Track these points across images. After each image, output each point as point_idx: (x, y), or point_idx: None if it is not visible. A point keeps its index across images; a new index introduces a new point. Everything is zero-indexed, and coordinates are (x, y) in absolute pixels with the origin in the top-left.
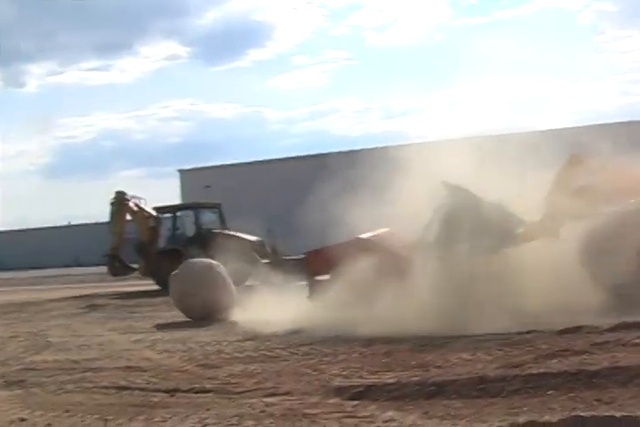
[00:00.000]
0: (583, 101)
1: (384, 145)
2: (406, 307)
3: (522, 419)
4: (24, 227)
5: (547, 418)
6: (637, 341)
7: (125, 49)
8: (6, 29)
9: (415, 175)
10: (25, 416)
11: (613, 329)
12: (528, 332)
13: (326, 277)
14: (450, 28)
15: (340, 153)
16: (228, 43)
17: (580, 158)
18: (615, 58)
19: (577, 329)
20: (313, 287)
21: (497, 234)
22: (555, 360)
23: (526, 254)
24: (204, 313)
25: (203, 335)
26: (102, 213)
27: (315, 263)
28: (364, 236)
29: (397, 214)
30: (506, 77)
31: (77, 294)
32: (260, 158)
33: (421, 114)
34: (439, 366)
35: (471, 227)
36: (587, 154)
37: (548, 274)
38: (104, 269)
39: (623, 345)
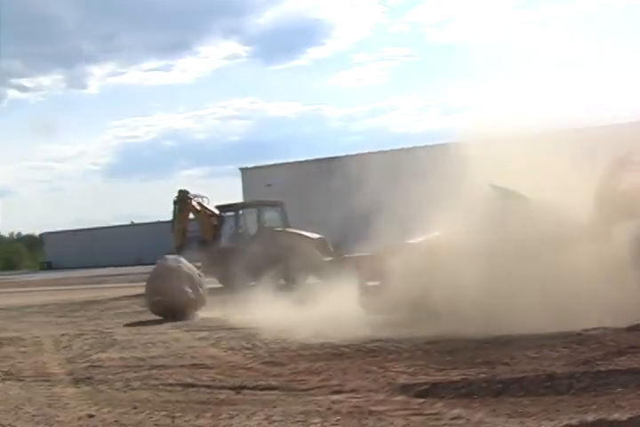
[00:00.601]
0: None
1: (444, 142)
2: (456, 311)
3: (590, 417)
4: (86, 226)
5: (616, 416)
6: None
7: (185, 49)
8: (69, 31)
9: (472, 175)
10: (93, 413)
11: None
12: (595, 329)
13: (376, 282)
14: (509, 23)
15: (400, 150)
16: (287, 41)
17: (628, 157)
18: None
19: None
20: (364, 293)
21: (546, 236)
22: (623, 357)
23: (577, 256)
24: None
25: (267, 333)
26: (164, 212)
27: (365, 268)
28: (413, 241)
29: (451, 216)
30: (568, 73)
31: (141, 293)
32: (321, 156)
33: (480, 110)
34: (505, 364)
35: (520, 230)
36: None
37: (599, 276)
38: None
39: None
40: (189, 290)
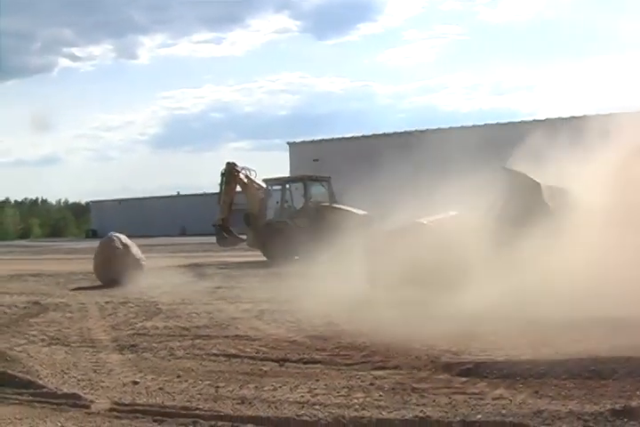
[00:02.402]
0: None
1: (495, 122)
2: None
3: (635, 402)
4: (133, 196)
5: None
6: None
7: (236, 22)
8: (120, 1)
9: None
10: (137, 380)
11: None
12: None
13: (385, 260)
14: (563, 3)
15: (450, 129)
16: (338, 17)
17: None
18: None
19: None
20: (372, 270)
21: (557, 221)
22: None
23: (592, 244)
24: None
25: (310, 307)
26: (211, 184)
27: (374, 246)
28: (422, 220)
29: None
30: (620, 54)
31: (185, 263)
32: (369, 132)
33: (532, 91)
34: (549, 346)
35: (531, 214)
36: None
37: (614, 266)
38: (211, 239)
39: None
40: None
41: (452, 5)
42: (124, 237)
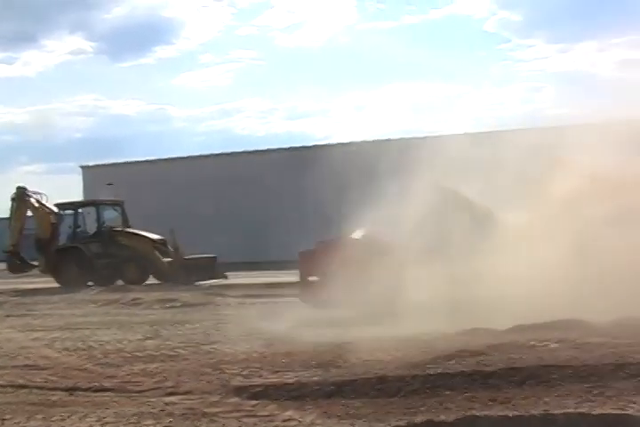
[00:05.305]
0: (486, 108)
1: (289, 145)
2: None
3: (419, 418)
4: None
5: (443, 418)
6: (532, 343)
7: (30, 42)
8: None
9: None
10: None
11: (509, 331)
12: (425, 334)
13: (317, 277)
14: (357, 32)
15: (246, 152)
16: (134, 39)
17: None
18: (519, 66)
19: (474, 331)
20: (304, 287)
21: (487, 236)
22: (452, 361)
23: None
24: None
25: (103, 334)
26: (0, 209)
27: (306, 263)
28: (355, 236)
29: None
30: (411, 82)
31: None
32: (165, 156)
33: (326, 116)
34: (339, 366)
35: (463, 230)
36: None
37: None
38: (2, 265)
39: (518, 347)
40: None
41: (249, 30)
42: None
